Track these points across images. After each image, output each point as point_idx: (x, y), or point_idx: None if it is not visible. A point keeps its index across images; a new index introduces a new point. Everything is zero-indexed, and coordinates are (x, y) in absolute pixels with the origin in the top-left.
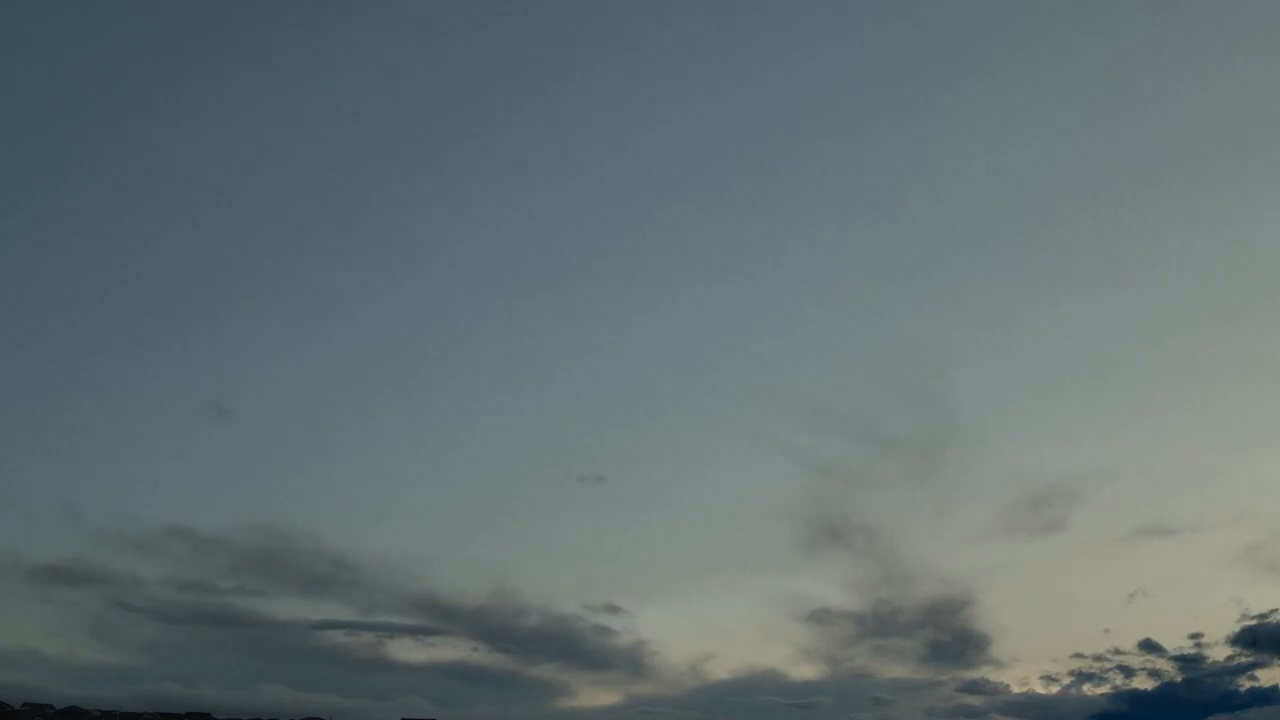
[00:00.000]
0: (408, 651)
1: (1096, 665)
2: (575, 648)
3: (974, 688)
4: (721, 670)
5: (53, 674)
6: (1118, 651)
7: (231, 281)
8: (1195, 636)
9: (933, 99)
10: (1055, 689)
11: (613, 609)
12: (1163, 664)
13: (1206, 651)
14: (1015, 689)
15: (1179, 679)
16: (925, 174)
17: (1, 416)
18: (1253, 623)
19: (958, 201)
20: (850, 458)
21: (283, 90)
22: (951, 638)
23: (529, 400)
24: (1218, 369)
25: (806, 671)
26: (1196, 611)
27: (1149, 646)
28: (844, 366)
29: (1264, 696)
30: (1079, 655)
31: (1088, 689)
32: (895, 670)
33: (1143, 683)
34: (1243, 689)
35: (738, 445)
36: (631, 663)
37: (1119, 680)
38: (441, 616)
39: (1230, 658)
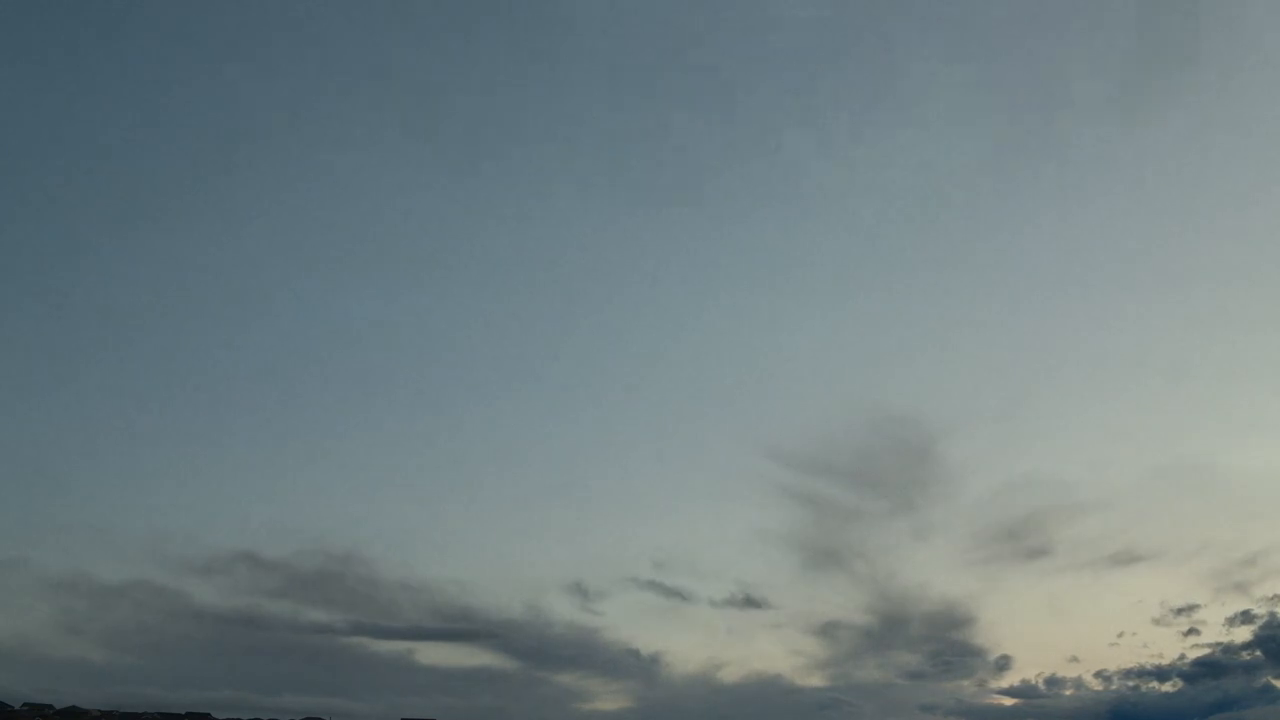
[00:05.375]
0: (437, 658)
1: (1097, 669)
2: (594, 657)
3: (992, 692)
4: (732, 677)
5: (52, 674)
6: (1105, 663)
7: (279, 315)
8: (1192, 644)
9: (917, 156)
10: (1057, 692)
11: (630, 621)
12: (1163, 666)
13: (1205, 657)
14: (1038, 690)
15: (1177, 683)
16: (903, 234)
17: (94, 453)
18: (1266, 632)
19: (933, 249)
20: (845, 495)
21: (291, 95)
22: (954, 649)
23: (557, 448)
24: (1178, 405)
25: (815, 679)
26: (1176, 624)
27: (1145, 651)
28: (835, 415)
29: (1273, 698)
30: (1075, 660)
31: (1095, 691)
32: (904, 676)
33: (1149, 684)
34: (1249, 690)
35: (742, 483)
36: (645, 671)
37: (1129, 683)
38: (475, 628)
39: (1233, 663)
